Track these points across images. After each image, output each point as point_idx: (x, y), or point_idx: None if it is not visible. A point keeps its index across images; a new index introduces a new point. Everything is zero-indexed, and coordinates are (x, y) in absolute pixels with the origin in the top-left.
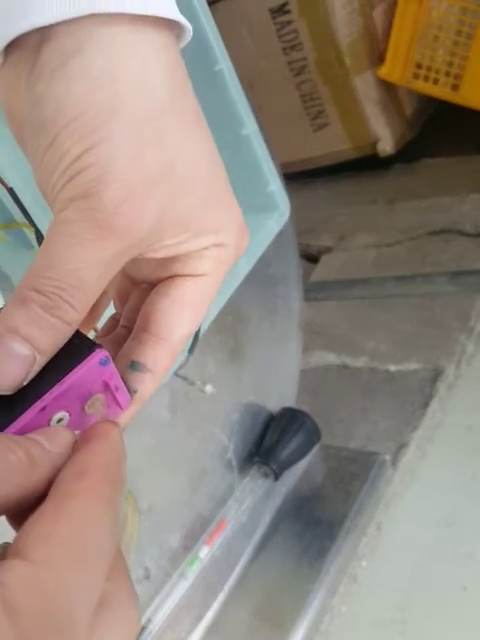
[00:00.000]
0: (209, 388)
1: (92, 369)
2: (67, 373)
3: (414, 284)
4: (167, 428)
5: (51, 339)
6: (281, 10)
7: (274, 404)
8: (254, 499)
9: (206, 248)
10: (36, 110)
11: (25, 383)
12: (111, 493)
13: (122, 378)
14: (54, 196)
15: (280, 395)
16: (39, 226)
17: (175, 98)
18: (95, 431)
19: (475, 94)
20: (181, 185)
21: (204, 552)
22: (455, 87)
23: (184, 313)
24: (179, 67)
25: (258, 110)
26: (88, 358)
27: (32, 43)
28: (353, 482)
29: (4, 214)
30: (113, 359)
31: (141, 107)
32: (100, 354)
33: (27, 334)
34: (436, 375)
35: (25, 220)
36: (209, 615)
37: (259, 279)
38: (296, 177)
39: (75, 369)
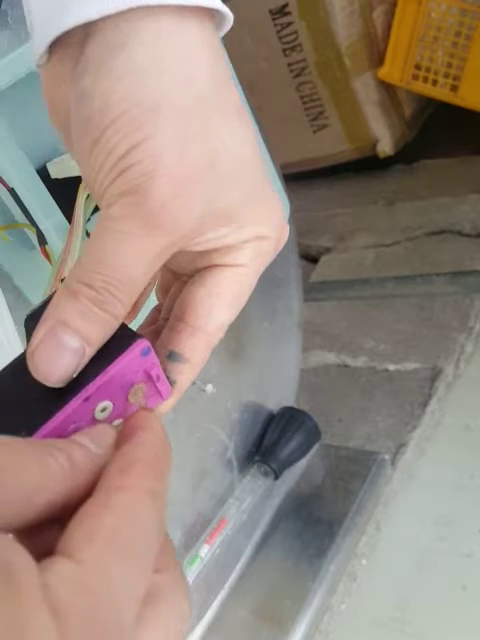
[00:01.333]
0: (209, 388)
1: (134, 359)
2: (110, 363)
3: (413, 284)
4: (167, 427)
5: (100, 332)
6: (281, 11)
7: (274, 404)
8: (254, 498)
9: (248, 240)
10: (82, 105)
11: (74, 376)
12: (157, 485)
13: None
14: (102, 192)
15: (280, 395)
16: (40, 226)
17: (219, 91)
18: (137, 421)
19: (474, 95)
20: (225, 179)
21: (204, 551)
22: (454, 88)
23: (220, 303)
24: (221, 59)
25: (258, 111)
26: (130, 348)
27: (76, 38)
28: (353, 481)
29: (5, 214)
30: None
31: (186, 101)
32: (142, 344)
33: (78, 327)
34: (435, 375)
35: (26, 220)
36: (209, 614)
37: (259, 279)
38: (296, 178)
39: (118, 359)
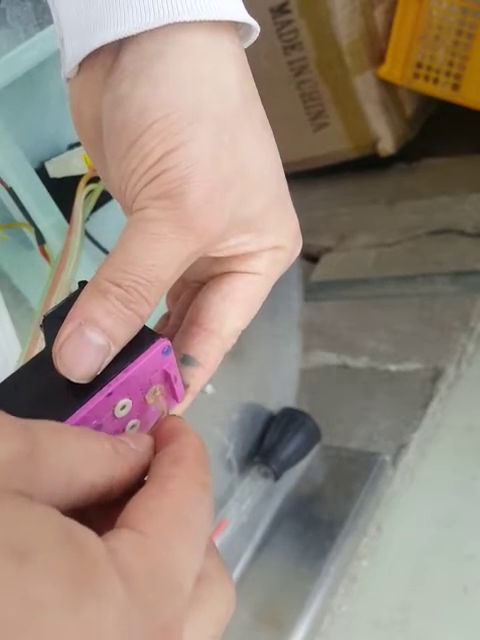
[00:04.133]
0: (209, 388)
1: (155, 357)
2: (133, 360)
3: (414, 284)
4: None
5: (126, 331)
6: (281, 10)
7: (274, 404)
8: (254, 499)
9: (265, 249)
10: (118, 111)
11: (99, 373)
12: (205, 477)
13: None
14: (134, 194)
15: (280, 395)
16: (38, 226)
17: (247, 103)
18: (173, 424)
19: (475, 94)
20: (251, 187)
21: None
22: (455, 87)
23: (235, 308)
24: (249, 73)
25: None
26: (152, 346)
27: (108, 49)
28: (353, 482)
29: (4, 214)
30: None
31: (220, 111)
32: (163, 343)
33: (105, 325)
34: (436, 375)
35: (25, 220)
36: None
37: None
38: (296, 177)
39: (140, 356)
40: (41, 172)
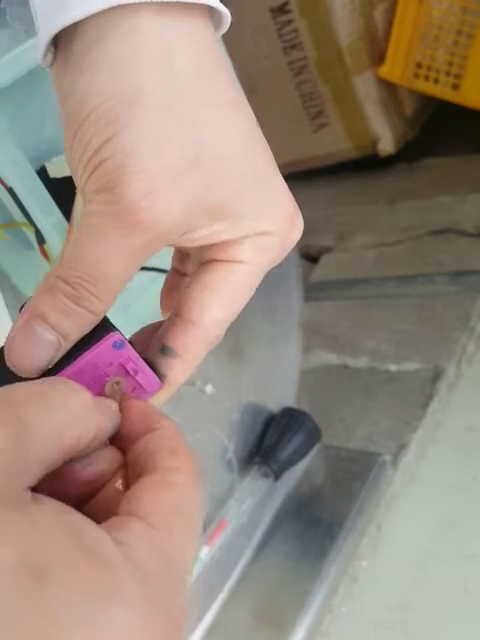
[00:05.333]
0: (209, 388)
1: (105, 351)
2: (80, 354)
3: (415, 284)
4: None
5: (76, 327)
6: (281, 10)
7: (274, 404)
8: (254, 499)
9: (246, 236)
10: (65, 103)
11: (49, 367)
12: (198, 469)
13: (153, 362)
14: (82, 189)
15: (280, 395)
16: (38, 226)
17: (204, 84)
18: (140, 408)
19: (475, 94)
20: (213, 173)
21: (204, 552)
22: (455, 87)
23: (215, 298)
24: (209, 52)
25: (258, 110)
26: (101, 341)
27: (67, 39)
28: (353, 482)
29: (4, 214)
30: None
31: (164, 94)
32: (114, 337)
33: (54, 321)
34: (437, 375)
35: (25, 220)
36: (209, 616)
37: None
38: (296, 177)
39: (88, 351)
40: (41, 172)
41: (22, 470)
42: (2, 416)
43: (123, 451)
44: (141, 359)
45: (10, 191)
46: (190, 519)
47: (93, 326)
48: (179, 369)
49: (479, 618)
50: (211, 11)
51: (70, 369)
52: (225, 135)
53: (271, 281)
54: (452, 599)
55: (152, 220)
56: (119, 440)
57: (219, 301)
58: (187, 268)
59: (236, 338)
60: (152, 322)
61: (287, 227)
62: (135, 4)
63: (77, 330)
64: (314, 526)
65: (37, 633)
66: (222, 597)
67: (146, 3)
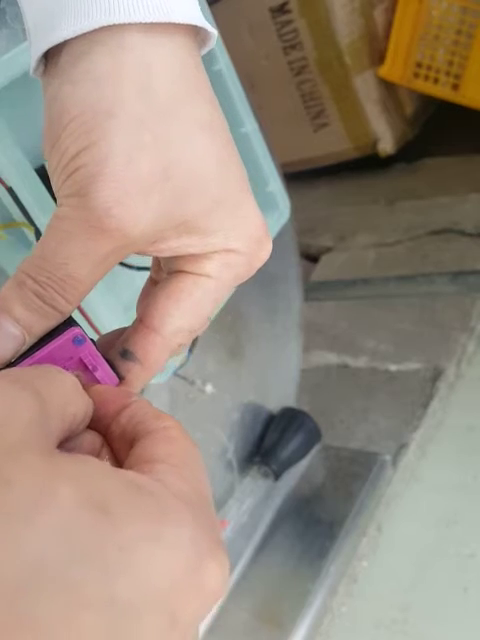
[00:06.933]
0: (209, 388)
1: (64, 346)
2: (40, 348)
3: (415, 284)
4: None
5: (41, 323)
6: (281, 10)
7: (274, 404)
8: (254, 499)
9: (215, 251)
10: (47, 111)
11: (12, 360)
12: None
13: (113, 363)
14: (57, 193)
15: (280, 395)
16: (38, 225)
17: (180, 104)
18: (104, 388)
19: (475, 93)
20: (183, 188)
21: None
22: (455, 87)
23: (178, 308)
24: (189, 72)
25: (258, 110)
26: (62, 335)
27: (56, 50)
28: (353, 482)
29: (3, 213)
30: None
31: (141, 111)
32: (73, 332)
33: (19, 316)
34: (437, 375)
35: (24, 219)
36: (209, 615)
37: (259, 278)
38: (296, 177)
39: (48, 345)
40: (41, 172)
41: (49, 431)
42: (21, 385)
43: (100, 431)
44: (101, 356)
45: (10, 191)
46: (196, 458)
47: (58, 323)
48: (137, 373)
49: (479, 618)
50: (196, 29)
51: (30, 360)
52: (197, 156)
53: (271, 281)
54: (452, 599)
55: (120, 228)
56: (95, 422)
57: (182, 311)
58: (160, 276)
59: (236, 338)
60: (118, 327)
61: (254, 247)
62: (122, 24)
63: (42, 327)
64: (314, 526)
65: (114, 563)
66: (222, 597)
67: (132, 24)
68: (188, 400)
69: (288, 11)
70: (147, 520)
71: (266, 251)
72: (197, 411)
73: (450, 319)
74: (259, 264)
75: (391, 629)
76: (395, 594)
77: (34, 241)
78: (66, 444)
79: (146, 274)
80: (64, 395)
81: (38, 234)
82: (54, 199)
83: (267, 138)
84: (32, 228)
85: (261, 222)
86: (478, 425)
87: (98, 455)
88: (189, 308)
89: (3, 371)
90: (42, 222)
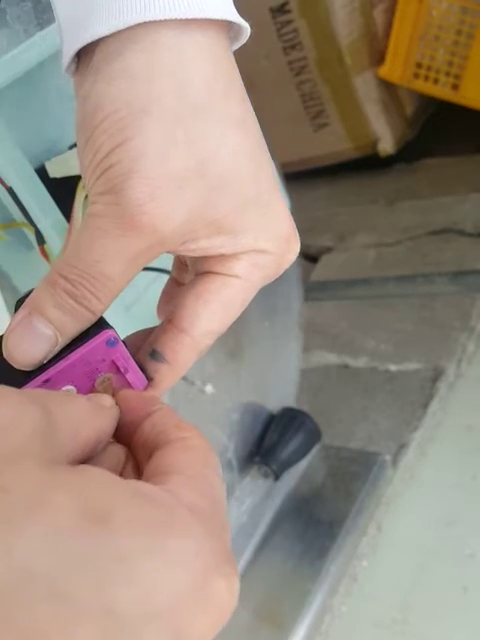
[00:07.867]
0: (209, 388)
1: (98, 348)
2: (74, 349)
3: (414, 284)
4: None
5: (74, 323)
6: (281, 10)
7: (274, 404)
8: (254, 499)
9: (244, 252)
10: (80, 109)
11: (45, 362)
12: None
13: (141, 364)
14: (89, 191)
15: (280, 395)
16: (38, 226)
17: (215, 102)
18: (131, 394)
19: (475, 93)
20: (216, 187)
21: None
22: (455, 87)
23: (208, 309)
24: (223, 69)
25: (258, 110)
26: (96, 337)
27: (89, 48)
28: (353, 482)
29: (4, 214)
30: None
31: (176, 108)
32: (107, 334)
33: (52, 317)
34: (437, 375)
35: (25, 220)
36: None
37: None
38: (296, 177)
39: (82, 346)
40: (41, 172)
41: (50, 451)
42: (29, 400)
43: (126, 439)
44: (132, 358)
45: (10, 191)
46: (214, 468)
47: (91, 324)
48: (166, 374)
49: (479, 618)
50: (229, 25)
51: (64, 362)
52: (231, 153)
53: (271, 281)
54: (452, 599)
55: (152, 225)
56: (120, 429)
57: (211, 312)
58: (184, 278)
59: (236, 338)
60: (146, 327)
61: (284, 248)
62: (156, 21)
63: (75, 327)
64: (314, 526)
65: (111, 574)
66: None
67: (167, 20)
68: (188, 400)
69: (288, 11)
70: (151, 531)
71: (294, 252)
72: (197, 411)
73: (450, 319)
74: (287, 265)
75: (391, 629)
76: (395, 594)
77: (34, 242)
78: (87, 463)
79: (147, 274)
80: (76, 416)
81: (38, 234)
82: (54, 199)
83: (267, 138)
84: (32, 228)
85: (290, 222)
86: (478, 425)
87: (123, 468)
88: (218, 310)
89: (17, 389)
90: (42, 222)
